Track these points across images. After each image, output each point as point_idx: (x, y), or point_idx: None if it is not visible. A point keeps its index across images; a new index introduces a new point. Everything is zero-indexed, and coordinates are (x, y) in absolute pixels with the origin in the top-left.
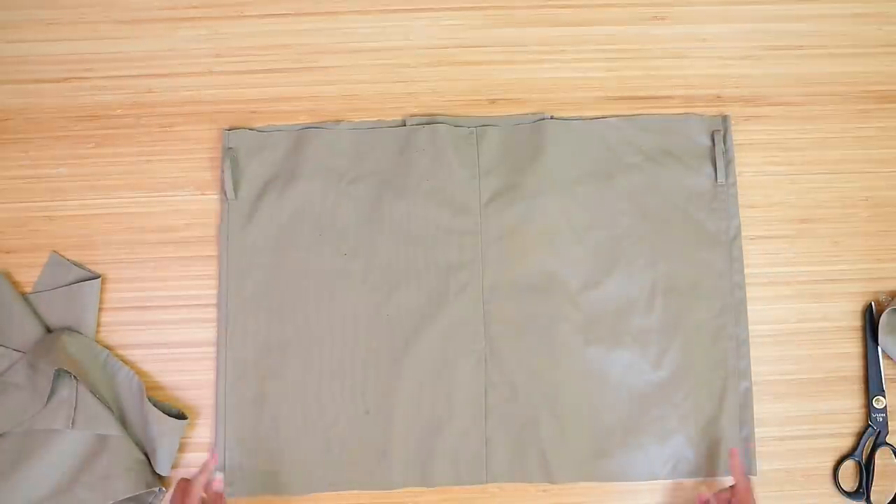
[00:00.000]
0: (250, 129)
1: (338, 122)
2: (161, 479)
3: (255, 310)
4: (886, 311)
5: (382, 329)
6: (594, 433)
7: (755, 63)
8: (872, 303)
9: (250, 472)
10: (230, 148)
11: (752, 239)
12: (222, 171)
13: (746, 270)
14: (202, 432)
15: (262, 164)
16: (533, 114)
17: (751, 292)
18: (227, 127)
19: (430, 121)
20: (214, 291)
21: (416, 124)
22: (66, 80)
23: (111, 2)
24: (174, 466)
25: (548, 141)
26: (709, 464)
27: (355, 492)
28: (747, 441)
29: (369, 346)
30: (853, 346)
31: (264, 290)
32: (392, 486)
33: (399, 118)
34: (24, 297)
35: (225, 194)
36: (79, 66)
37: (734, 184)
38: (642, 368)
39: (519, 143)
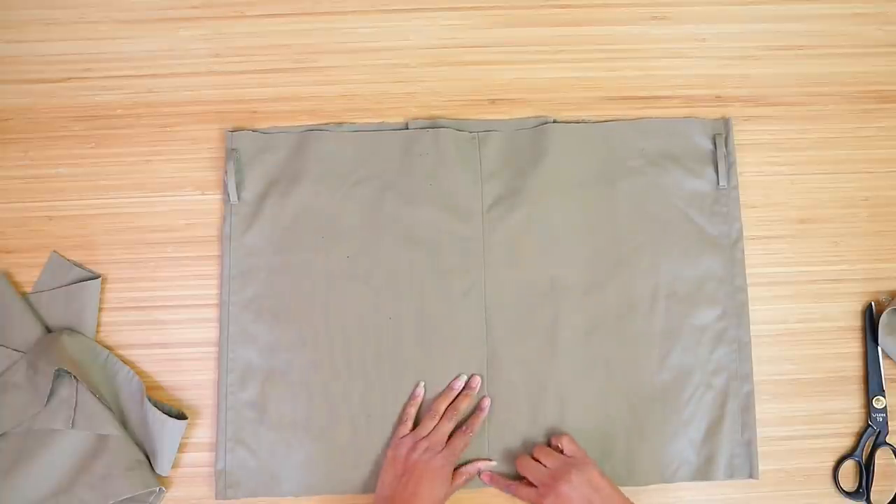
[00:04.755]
0: (253, 131)
1: (340, 123)
2: (161, 479)
3: (257, 311)
4: (886, 311)
5: (385, 332)
6: (596, 437)
7: (755, 63)
8: (872, 303)
9: (251, 473)
10: (233, 149)
11: (751, 239)
12: (225, 173)
13: (747, 271)
14: (202, 432)
15: (264, 166)
16: (535, 117)
17: (750, 293)
18: (229, 128)
19: (433, 124)
20: (215, 291)
21: (419, 128)
22: (65, 80)
23: (111, 2)
24: (174, 466)
25: (550, 145)
26: (710, 467)
27: (356, 495)
28: (749, 444)
29: (371, 350)
30: (853, 346)
31: (266, 291)
32: None
33: (401, 120)
34: (24, 297)
35: (227, 196)
36: (79, 66)
37: (736, 187)
38: (644, 372)
39: (521, 148)
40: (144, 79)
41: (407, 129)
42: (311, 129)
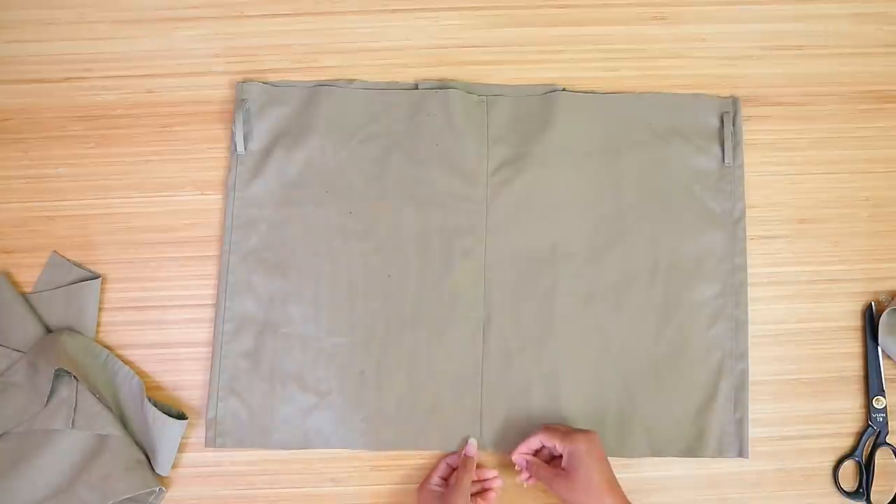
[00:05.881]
0: (264, 83)
1: (351, 80)
2: (161, 479)
3: (256, 262)
4: (886, 311)
5: (383, 290)
6: (588, 407)
7: (755, 63)
8: (872, 303)
9: (241, 424)
10: (243, 100)
11: (752, 239)
12: (234, 123)
13: (747, 271)
14: (202, 432)
15: (273, 119)
16: (544, 84)
17: (750, 292)
18: (240, 80)
19: (442, 86)
20: (214, 291)
21: (429, 88)
22: (65, 80)
23: (111, 2)
24: (174, 466)
25: (558, 112)
26: (701, 444)
27: (347, 450)
28: (741, 423)
29: (369, 307)
30: (853, 346)
31: (267, 243)
32: (383, 446)
33: (412, 81)
34: (24, 297)
35: (234, 146)
36: (78, 66)
37: (741, 166)
38: (640, 345)
39: (529, 114)
40: (144, 79)
41: (416, 88)
42: (321, 85)
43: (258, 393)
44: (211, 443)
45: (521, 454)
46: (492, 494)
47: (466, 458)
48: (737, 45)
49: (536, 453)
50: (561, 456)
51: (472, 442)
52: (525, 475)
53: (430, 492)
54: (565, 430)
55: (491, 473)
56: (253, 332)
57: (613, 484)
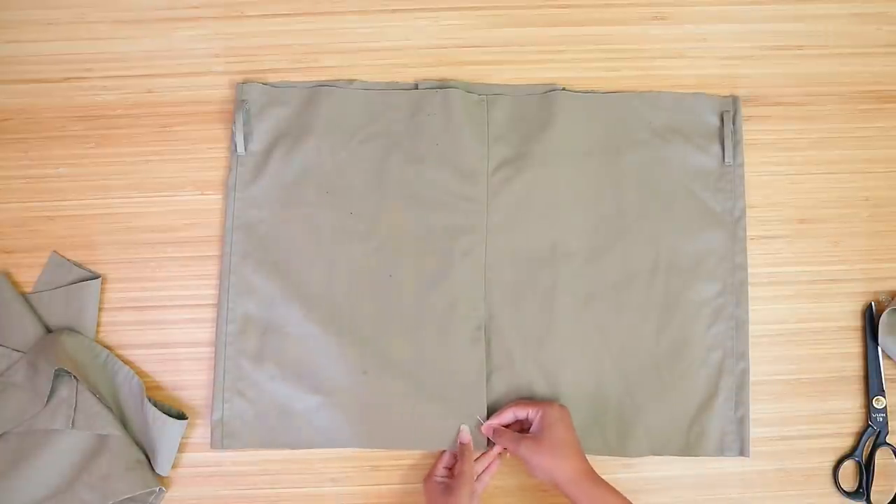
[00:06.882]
0: (264, 84)
1: (351, 81)
2: (161, 479)
3: (258, 263)
4: (886, 311)
5: (384, 290)
6: (589, 406)
7: (755, 63)
8: (872, 303)
9: (248, 425)
10: (243, 100)
11: (751, 239)
12: (234, 124)
13: (748, 270)
14: (202, 432)
15: (273, 120)
16: (544, 84)
17: (750, 292)
18: (240, 81)
19: (442, 85)
20: (215, 292)
21: (429, 88)
22: (65, 80)
23: (110, 2)
24: (174, 466)
25: (558, 112)
26: (701, 443)
27: (347, 450)
28: (742, 422)
29: (371, 306)
30: (853, 346)
31: (268, 244)
32: (387, 446)
33: (411, 80)
34: (24, 297)
35: (234, 147)
36: (78, 66)
37: (741, 164)
38: (640, 344)
39: (529, 113)
40: (144, 79)
41: (416, 88)
42: (321, 85)
43: (263, 394)
44: (217, 444)
45: (490, 425)
46: (494, 467)
47: (462, 445)
48: (737, 45)
49: (507, 427)
50: (528, 429)
51: (465, 429)
52: (497, 449)
53: (435, 483)
54: (538, 401)
55: (495, 450)
56: (256, 333)
57: (580, 450)
